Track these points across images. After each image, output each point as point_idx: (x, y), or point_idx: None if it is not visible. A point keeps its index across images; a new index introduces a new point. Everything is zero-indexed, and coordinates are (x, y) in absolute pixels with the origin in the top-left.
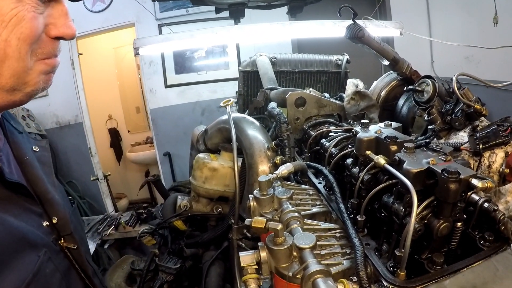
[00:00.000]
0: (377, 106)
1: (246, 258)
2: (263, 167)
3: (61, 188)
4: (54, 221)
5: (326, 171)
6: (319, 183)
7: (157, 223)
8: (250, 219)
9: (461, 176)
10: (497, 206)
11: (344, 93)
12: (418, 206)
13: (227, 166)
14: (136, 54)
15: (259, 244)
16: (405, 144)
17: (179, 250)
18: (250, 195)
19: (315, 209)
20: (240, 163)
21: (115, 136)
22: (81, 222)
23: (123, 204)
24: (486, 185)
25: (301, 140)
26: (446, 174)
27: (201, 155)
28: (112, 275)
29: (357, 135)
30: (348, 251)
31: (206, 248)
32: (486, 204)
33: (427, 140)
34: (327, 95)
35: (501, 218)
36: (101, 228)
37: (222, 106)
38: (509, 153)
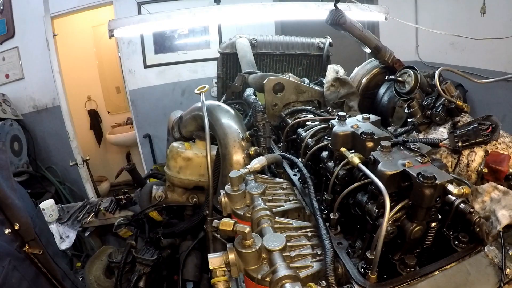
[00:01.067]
0: (357, 94)
1: (214, 260)
2: (237, 157)
3: (21, 191)
4: (16, 227)
5: (300, 165)
6: (294, 175)
7: (133, 215)
8: (218, 221)
9: (437, 182)
10: (473, 208)
11: (325, 78)
12: (392, 209)
13: (202, 156)
14: (111, 36)
15: (227, 245)
16: (381, 143)
17: (157, 239)
18: (221, 191)
19: (287, 205)
20: (215, 152)
21: (94, 117)
22: (46, 223)
23: (105, 188)
24: (463, 191)
25: (278, 127)
26: (421, 179)
27: (175, 144)
28: (91, 268)
29: (333, 129)
30: (319, 252)
31: (183, 238)
32: (462, 205)
33: (404, 138)
34: (306, 80)
35: (477, 220)
36: (81, 216)
37: (197, 93)
38: (489, 152)
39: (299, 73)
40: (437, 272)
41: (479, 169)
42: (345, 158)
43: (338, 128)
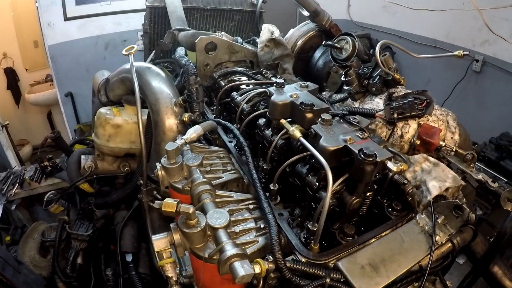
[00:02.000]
0: (292, 56)
1: (159, 242)
2: (170, 124)
3: None
4: None
5: (237, 133)
6: (230, 141)
7: (62, 189)
8: (159, 201)
9: (378, 159)
10: (406, 179)
11: (258, 36)
12: (333, 183)
13: (132, 122)
14: None
15: (171, 225)
16: (322, 116)
17: (89, 211)
18: (157, 164)
19: (226, 177)
20: (146, 117)
21: (11, 76)
22: None
23: (27, 152)
24: (401, 167)
25: (210, 89)
26: (363, 156)
27: (102, 110)
28: (24, 248)
29: (271, 98)
30: (262, 225)
31: (116, 208)
32: (396, 177)
33: (344, 112)
34: (239, 39)
35: (410, 190)
36: (5, 188)
37: (125, 54)
38: (422, 124)
39: (231, 30)
40: (373, 240)
41: (412, 140)
42: (284, 128)
43: (276, 97)
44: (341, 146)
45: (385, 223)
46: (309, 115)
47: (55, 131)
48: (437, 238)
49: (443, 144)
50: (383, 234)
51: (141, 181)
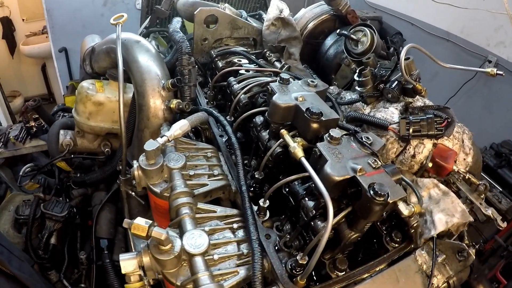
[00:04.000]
0: (300, 40)
1: (127, 264)
2: (156, 110)
3: None
4: None
5: (229, 130)
6: (221, 135)
7: (38, 168)
8: (129, 221)
9: (389, 200)
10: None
11: (265, 10)
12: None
13: (116, 100)
14: None
15: (141, 246)
16: (331, 132)
17: (67, 187)
18: (134, 162)
19: (211, 184)
20: (131, 95)
21: (7, 25)
22: None
23: (18, 104)
24: (413, 210)
25: (207, 67)
26: (372, 193)
27: (84, 83)
28: None
29: (273, 98)
30: (245, 251)
31: (95, 188)
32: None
33: (356, 129)
34: (244, 13)
35: (414, 224)
36: None
37: (112, 23)
38: (437, 144)
39: (236, 2)
40: (367, 275)
41: (424, 162)
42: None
43: (279, 98)
44: (348, 177)
45: (381, 257)
46: (315, 126)
47: (36, 99)
48: (435, 280)
49: (456, 169)
50: (377, 268)
51: (120, 167)
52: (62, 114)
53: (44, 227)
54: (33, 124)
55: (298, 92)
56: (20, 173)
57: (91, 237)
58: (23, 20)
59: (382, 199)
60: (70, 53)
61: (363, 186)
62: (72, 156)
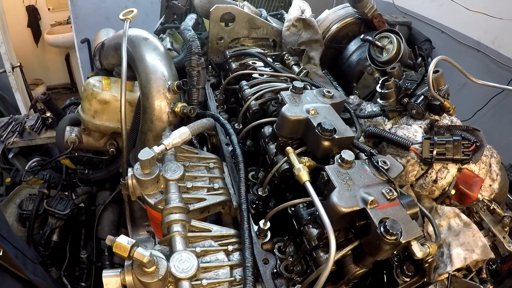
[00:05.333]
0: (322, 43)
1: (109, 281)
2: (160, 113)
3: None
4: None
5: (235, 141)
6: (227, 144)
7: (42, 164)
8: (112, 238)
9: (402, 240)
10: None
11: (287, 10)
12: (339, 248)
13: None
14: None
15: (125, 264)
16: (343, 155)
17: (73, 183)
18: (129, 171)
19: (209, 199)
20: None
21: (33, 14)
22: (1, 213)
23: (40, 92)
24: (428, 251)
25: (221, 67)
26: (383, 231)
27: (91, 80)
28: (5, 212)
29: (282, 109)
30: (237, 277)
31: (101, 186)
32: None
33: (372, 150)
34: (264, 12)
35: (429, 259)
36: (5, 135)
37: (121, 19)
38: (462, 169)
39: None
40: None
41: (447, 188)
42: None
43: (289, 109)
44: (357, 209)
45: None
46: (326, 144)
47: (46, 93)
48: None
49: (481, 198)
50: None
51: (121, 170)
52: (73, 108)
53: (47, 223)
54: (49, 115)
55: (311, 104)
56: (26, 168)
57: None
58: (48, 9)
59: (393, 238)
60: (93, 45)
61: (373, 221)
62: (77, 154)
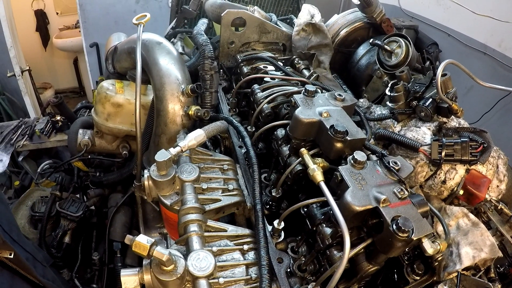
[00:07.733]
0: (331, 47)
1: (128, 280)
2: (174, 116)
3: None
4: None
5: (248, 143)
6: (240, 146)
7: (54, 166)
8: (131, 237)
9: (413, 237)
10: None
11: (296, 15)
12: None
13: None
14: None
15: (144, 263)
16: (356, 155)
17: (85, 186)
18: (145, 172)
19: (224, 200)
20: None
21: (41, 18)
22: (11, 216)
23: (48, 96)
24: (439, 248)
25: (232, 71)
26: (395, 228)
27: (105, 84)
28: (16, 214)
29: (295, 112)
30: (253, 275)
31: (113, 188)
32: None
33: (383, 151)
34: (274, 17)
35: (439, 258)
36: (15, 138)
37: (135, 23)
38: (470, 170)
39: (268, 4)
40: None
41: (455, 189)
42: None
43: (302, 112)
44: (370, 207)
45: None
46: (339, 145)
47: (58, 96)
48: None
49: (488, 198)
50: None
51: (135, 172)
52: (83, 111)
53: (59, 225)
54: (58, 118)
55: (323, 107)
56: (38, 170)
57: (106, 238)
58: (57, 13)
59: (405, 235)
60: (101, 49)
61: (385, 219)
62: (90, 156)
